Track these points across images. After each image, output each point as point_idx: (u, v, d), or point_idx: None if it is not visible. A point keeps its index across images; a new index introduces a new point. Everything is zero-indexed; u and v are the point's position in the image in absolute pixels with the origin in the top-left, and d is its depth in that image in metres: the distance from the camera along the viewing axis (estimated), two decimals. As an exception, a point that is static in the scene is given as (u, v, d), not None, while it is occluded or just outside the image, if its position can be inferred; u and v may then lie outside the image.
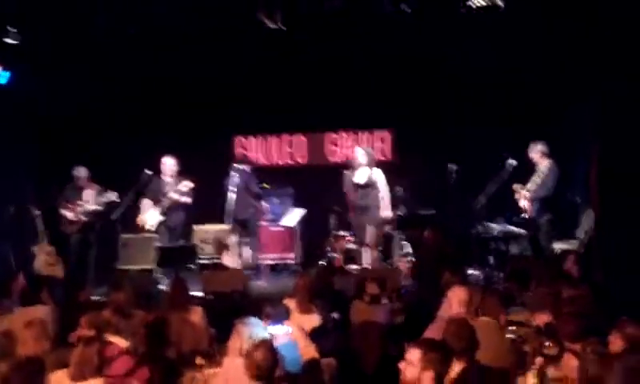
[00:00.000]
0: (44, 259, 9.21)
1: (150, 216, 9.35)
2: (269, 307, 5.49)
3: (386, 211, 9.09)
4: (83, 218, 9.40)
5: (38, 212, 9.33)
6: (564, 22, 8.36)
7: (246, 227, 9.72)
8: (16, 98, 9.82)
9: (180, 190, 9.26)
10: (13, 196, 9.80)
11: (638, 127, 7.72)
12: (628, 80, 7.65)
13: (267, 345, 3.87)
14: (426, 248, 8.08)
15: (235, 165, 9.61)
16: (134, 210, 9.43)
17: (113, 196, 9.27)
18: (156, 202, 9.35)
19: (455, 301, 5.03)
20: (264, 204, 10.12)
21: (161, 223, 9.37)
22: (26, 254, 9.42)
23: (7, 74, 9.49)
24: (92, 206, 9.34)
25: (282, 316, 5.11)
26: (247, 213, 9.61)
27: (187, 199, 9.35)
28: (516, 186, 8.72)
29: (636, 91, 7.58)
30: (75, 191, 9.50)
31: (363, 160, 8.95)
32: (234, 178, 9.40)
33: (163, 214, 9.35)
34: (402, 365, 3.57)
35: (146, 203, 9.36)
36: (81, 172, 9.49)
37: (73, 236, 9.47)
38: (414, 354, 3.52)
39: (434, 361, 3.46)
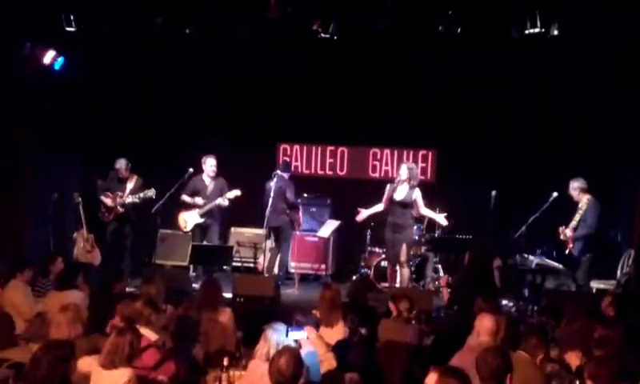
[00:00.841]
0: (83, 246, 9.42)
1: (190, 216, 9.47)
2: (299, 314, 5.50)
3: (442, 219, 8.99)
4: (120, 209, 9.54)
5: (80, 199, 9.54)
6: (618, 50, 8.26)
7: (278, 235, 9.75)
8: (69, 85, 10.05)
9: (226, 197, 9.36)
10: (58, 181, 10.03)
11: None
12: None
13: (292, 352, 3.89)
14: (464, 271, 7.98)
15: (277, 171, 9.66)
16: (175, 205, 9.55)
17: (150, 192, 9.40)
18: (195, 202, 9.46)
19: (481, 329, 4.97)
20: (300, 214, 10.09)
21: (197, 224, 9.49)
22: (66, 240, 9.65)
23: (62, 60, 9.71)
24: (129, 199, 9.49)
25: (311, 325, 5.11)
26: (280, 220, 9.60)
27: (227, 203, 9.44)
28: (561, 229, 8.57)
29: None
30: (117, 182, 9.67)
31: (405, 176, 8.91)
32: (274, 184, 9.45)
33: (202, 215, 9.45)
34: None
35: (188, 199, 9.49)
36: (122, 164, 9.64)
37: (109, 225, 9.61)
38: (431, 378, 3.49)
39: None
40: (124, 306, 5.29)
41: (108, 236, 9.65)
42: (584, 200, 8.57)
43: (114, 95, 10.58)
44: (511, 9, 7.96)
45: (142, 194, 9.44)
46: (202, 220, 9.46)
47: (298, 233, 10.46)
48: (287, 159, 10.98)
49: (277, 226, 9.64)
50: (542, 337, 4.97)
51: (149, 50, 9.66)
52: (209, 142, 10.46)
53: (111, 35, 8.93)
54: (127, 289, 7.79)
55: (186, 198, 9.53)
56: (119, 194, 9.57)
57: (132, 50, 9.62)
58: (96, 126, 10.77)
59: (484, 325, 4.98)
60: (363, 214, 9.14)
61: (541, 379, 4.64)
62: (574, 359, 4.94)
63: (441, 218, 8.99)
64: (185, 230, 9.55)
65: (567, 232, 8.52)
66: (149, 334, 4.96)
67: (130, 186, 9.62)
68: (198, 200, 9.47)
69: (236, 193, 9.40)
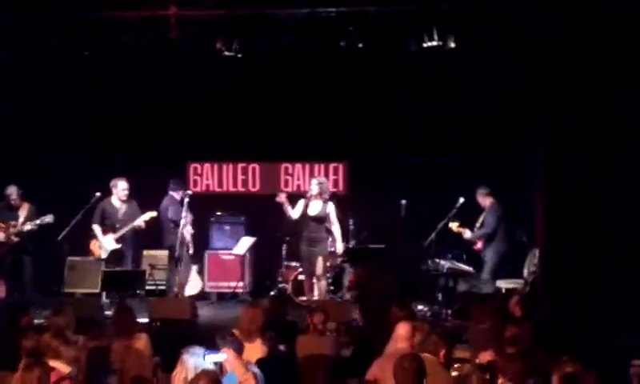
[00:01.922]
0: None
1: (105, 242, 9.16)
2: (219, 337, 5.42)
3: (339, 245, 9.18)
4: (14, 239, 9.15)
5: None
6: (515, 60, 8.71)
7: (172, 255, 9.50)
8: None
9: (143, 219, 9.13)
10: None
11: (584, 166, 8.06)
12: (571, 117, 8.03)
13: (210, 376, 3.84)
14: (369, 283, 8.11)
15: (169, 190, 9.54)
16: (83, 232, 9.24)
17: (48, 218, 9.06)
18: (106, 226, 9.17)
19: (398, 337, 5.08)
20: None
21: (113, 251, 9.20)
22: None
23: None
24: (27, 226, 9.11)
25: (234, 346, 5.03)
26: (169, 240, 9.45)
27: (143, 226, 9.24)
28: (452, 225, 9.08)
29: (580, 129, 7.94)
30: (8, 210, 9.27)
31: (316, 191, 9.01)
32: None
33: (118, 241, 9.17)
34: None
35: (97, 229, 9.16)
36: (13, 191, 9.27)
37: (5, 257, 9.21)
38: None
39: None
40: (28, 340, 5.07)
41: (5, 268, 9.22)
42: (487, 203, 9.25)
43: (6, 119, 10.15)
44: (408, 23, 8.22)
45: (38, 221, 9.07)
46: (118, 246, 9.15)
47: (212, 251, 10.37)
48: (197, 177, 10.89)
49: (169, 246, 9.47)
50: (441, 334, 5.12)
51: (48, 72, 9.35)
52: (115, 162, 10.19)
53: (8, 59, 8.61)
54: (35, 321, 7.46)
55: (96, 229, 9.15)
56: (12, 223, 9.16)
57: (30, 71, 9.28)
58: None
59: (400, 332, 5.09)
60: (283, 197, 9.07)
61: (446, 375, 4.78)
62: (487, 358, 5.11)
63: (339, 244, 9.18)
64: (100, 256, 9.21)
65: (467, 233, 9.16)
66: (60, 367, 4.77)
67: (22, 213, 9.23)
68: (108, 238, 9.12)
69: (151, 214, 9.20)
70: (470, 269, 9.10)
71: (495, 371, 4.63)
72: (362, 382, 5.09)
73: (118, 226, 9.17)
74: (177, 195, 9.51)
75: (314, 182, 9.22)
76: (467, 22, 8.24)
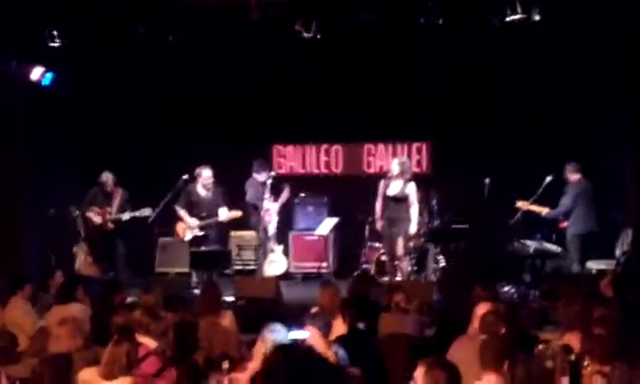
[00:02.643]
0: (83, 259, 9.44)
1: (191, 227, 9.37)
2: (308, 315, 5.47)
3: (413, 226, 9.02)
4: (111, 226, 9.53)
5: (77, 212, 9.55)
6: (600, 29, 8.30)
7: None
8: (58, 100, 10.08)
9: (228, 216, 9.31)
10: (54, 196, 10.05)
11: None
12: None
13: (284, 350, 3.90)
14: (459, 261, 8.02)
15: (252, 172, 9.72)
16: (172, 214, 9.55)
17: (146, 211, 9.37)
18: (192, 212, 9.37)
19: (476, 317, 4.99)
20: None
21: (197, 235, 9.41)
22: (65, 254, 9.67)
23: (50, 76, 9.73)
24: (125, 217, 9.46)
25: (320, 324, 5.10)
26: (251, 222, 9.74)
27: (226, 221, 9.44)
28: (520, 203, 8.78)
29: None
30: (104, 196, 9.63)
31: (397, 171, 8.94)
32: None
33: (202, 228, 9.37)
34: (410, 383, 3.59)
35: (182, 213, 9.39)
36: (108, 177, 9.61)
37: (100, 239, 9.59)
38: (419, 372, 3.52)
39: (437, 380, 3.44)
40: (118, 316, 5.30)
41: (99, 250, 9.62)
42: (571, 181, 8.89)
43: (102, 107, 10.59)
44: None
45: (137, 213, 9.41)
46: (200, 232, 9.37)
47: (296, 232, 10.51)
48: (281, 159, 11.04)
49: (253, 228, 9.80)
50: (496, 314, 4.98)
51: (133, 60, 9.67)
52: (200, 146, 10.45)
53: (95, 47, 8.95)
54: (128, 299, 7.80)
55: (180, 211, 9.37)
56: (107, 209, 9.54)
57: (116, 60, 9.63)
58: (86, 138, 10.79)
59: (478, 313, 5.00)
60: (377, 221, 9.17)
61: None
62: (572, 340, 4.95)
63: (413, 225, 9.00)
64: (184, 239, 9.49)
65: (544, 211, 8.83)
66: (148, 342, 4.96)
67: (116, 201, 9.59)
68: (193, 220, 9.35)
69: (237, 214, 9.38)
70: (559, 249, 8.82)
71: (581, 353, 4.49)
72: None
73: (203, 214, 9.35)
74: (259, 177, 9.66)
75: (395, 161, 9.16)
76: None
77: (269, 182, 9.51)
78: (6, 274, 7.48)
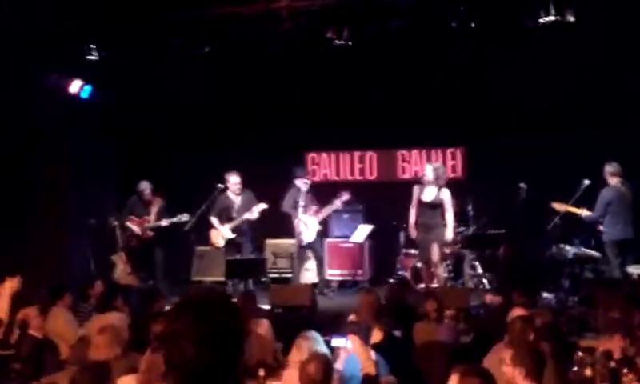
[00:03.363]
0: (122, 268, 9.58)
1: (223, 233, 9.50)
2: (350, 322, 5.47)
3: (449, 233, 8.93)
4: (149, 234, 9.67)
5: (116, 223, 9.71)
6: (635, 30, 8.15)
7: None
8: (97, 112, 10.29)
9: (253, 212, 9.37)
10: (94, 207, 10.23)
11: None
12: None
13: (321, 358, 3.91)
14: (501, 266, 7.93)
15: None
16: (205, 224, 9.65)
17: (185, 217, 9.49)
18: (224, 218, 9.49)
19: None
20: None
21: (230, 240, 9.52)
22: (105, 263, 9.83)
23: (89, 89, 9.93)
24: (164, 223, 9.60)
25: (360, 333, 5.11)
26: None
27: (256, 217, 9.49)
28: (556, 205, 8.53)
29: None
30: (142, 206, 9.78)
31: (431, 177, 8.89)
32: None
33: (234, 231, 9.49)
34: None
35: (215, 220, 9.51)
36: (146, 186, 9.76)
37: (139, 248, 9.73)
38: (453, 379, 3.51)
39: None
40: (157, 324, 5.37)
41: (138, 258, 9.76)
42: (610, 183, 8.54)
43: (140, 117, 10.77)
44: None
45: (175, 219, 9.54)
46: (233, 235, 9.47)
47: (331, 239, 10.52)
48: (315, 167, 11.09)
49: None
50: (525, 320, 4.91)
51: (170, 71, 9.81)
52: (235, 155, 10.55)
53: (132, 59, 9.11)
54: (167, 307, 7.89)
55: (214, 220, 9.51)
56: (146, 218, 9.69)
57: (154, 71, 9.78)
58: (125, 149, 10.98)
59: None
60: (411, 228, 9.12)
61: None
62: (612, 346, 4.86)
63: (449, 231, 8.89)
64: (217, 245, 9.60)
65: (584, 213, 8.52)
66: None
67: (154, 209, 9.73)
68: (225, 228, 9.45)
69: (263, 206, 9.42)
70: (598, 254, 8.64)
71: (622, 359, 4.41)
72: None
73: (233, 216, 9.47)
74: (297, 183, 9.69)
75: (429, 167, 9.10)
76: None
77: (304, 189, 9.53)
78: (48, 284, 7.64)
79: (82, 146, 10.16)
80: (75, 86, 9.80)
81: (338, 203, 9.63)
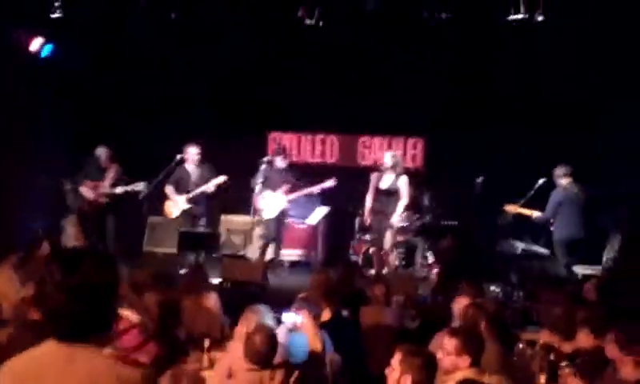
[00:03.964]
0: (72, 233, 9.41)
1: (177, 202, 9.42)
2: (301, 298, 5.48)
3: (395, 218, 8.95)
4: (103, 200, 9.51)
5: (69, 186, 9.52)
6: (603, 33, 8.31)
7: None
8: (57, 71, 10.04)
9: (213, 183, 9.29)
10: (47, 168, 10.01)
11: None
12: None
13: (266, 330, 3.92)
14: (445, 257, 8.05)
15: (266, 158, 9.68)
16: (160, 194, 9.54)
17: (140, 186, 9.31)
18: (180, 189, 9.40)
19: (458, 311, 5.02)
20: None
21: (185, 211, 9.43)
22: (54, 225, 9.64)
23: (50, 47, 9.69)
24: (118, 190, 9.45)
25: (311, 309, 5.13)
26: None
27: (213, 189, 9.41)
28: (508, 207, 8.74)
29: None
30: (98, 171, 9.59)
31: (389, 164, 8.95)
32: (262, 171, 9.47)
33: (189, 202, 9.41)
34: (387, 369, 3.62)
35: (170, 190, 9.41)
36: (103, 152, 9.56)
37: (91, 215, 9.56)
38: (395, 358, 3.55)
39: (414, 366, 3.47)
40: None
41: (89, 226, 9.58)
42: (560, 184, 8.77)
43: (102, 81, 10.55)
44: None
45: (130, 187, 9.37)
46: (188, 206, 9.39)
47: (287, 220, 10.51)
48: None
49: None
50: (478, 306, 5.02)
51: (134, 35, 9.62)
52: (195, 130, 10.42)
53: (96, 19, 8.92)
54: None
55: (168, 189, 9.40)
56: (101, 183, 9.52)
57: (117, 34, 9.58)
58: (83, 112, 10.75)
59: (460, 307, 5.02)
60: (366, 215, 9.15)
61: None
62: (553, 340, 5.00)
63: (395, 216, 8.94)
64: (171, 216, 9.51)
65: (535, 214, 8.74)
66: (131, 316, 4.96)
67: (110, 175, 9.53)
68: (180, 198, 9.36)
69: (222, 178, 9.32)
70: (546, 251, 8.83)
71: (559, 354, 4.53)
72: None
73: (189, 188, 9.38)
74: (277, 160, 9.66)
75: (388, 154, 9.16)
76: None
77: (261, 167, 9.47)
78: (-6, 242, 7.47)
79: (40, 106, 9.91)
80: (36, 44, 9.55)
81: (317, 188, 9.57)
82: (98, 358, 2.23)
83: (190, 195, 9.36)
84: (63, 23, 8.85)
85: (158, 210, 9.75)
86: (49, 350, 2.26)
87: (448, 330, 4.25)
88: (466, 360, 4.01)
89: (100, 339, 2.29)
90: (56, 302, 2.19)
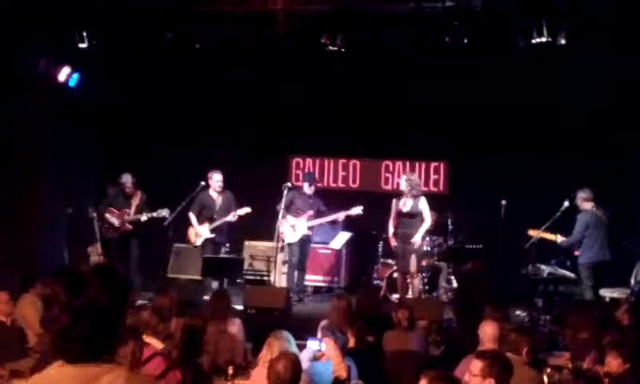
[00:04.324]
0: (97, 260, 9.48)
1: (201, 231, 9.43)
2: (327, 326, 5.45)
3: (418, 238, 8.86)
4: (129, 227, 9.59)
5: (94, 214, 9.62)
6: (626, 57, 8.23)
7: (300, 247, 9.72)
8: (83, 101, 10.18)
9: (236, 214, 9.32)
10: (73, 196, 10.12)
11: None
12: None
13: (290, 357, 3.90)
14: (469, 281, 7.97)
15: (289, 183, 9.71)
16: (184, 220, 9.58)
17: (164, 212, 9.40)
18: (204, 215, 9.43)
19: (485, 337, 4.95)
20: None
21: (209, 239, 9.45)
22: (80, 254, 9.72)
23: (77, 77, 9.85)
24: (144, 218, 9.52)
25: (335, 337, 5.10)
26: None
27: (236, 219, 9.43)
28: (532, 232, 8.65)
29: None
30: (122, 198, 9.70)
31: (405, 188, 8.91)
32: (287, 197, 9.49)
33: (212, 231, 9.42)
34: None
35: (193, 218, 9.44)
36: (128, 179, 9.67)
37: (116, 240, 9.65)
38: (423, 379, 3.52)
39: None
40: (129, 316, 5.30)
41: (113, 250, 9.66)
42: (584, 208, 8.68)
43: (126, 110, 10.71)
44: (517, 19, 7.98)
45: (155, 214, 9.45)
46: (212, 235, 9.42)
47: (310, 246, 10.49)
48: (299, 171, 11.06)
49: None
50: (522, 332, 4.97)
51: (159, 66, 9.77)
52: (219, 156, 10.50)
53: (123, 51, 9.06)
54: (139, 301, 7.82)
55: (191, 217, 9.43)
56: (126, 210, 9.62)
57: (143, 65, 9.73)
58: (108, 140, 10.89)
59: (486, 332, 4.97)
60: (390, 239, 9.12)
61: (530, 373, 4.63)
62: (587, 363, 4.93)
63: (418, 236, 8.84)
64: (195, 244, 9.54)
65: (559, 239, 8.64)
66: (155, 343, 4.97)
67: (135, 202, 9.65)
68: (204, 228, 9.41)
69: (246, 210, 9.37)
70: (572, 275, 8.71)
71: (594, 378, 4.45)
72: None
73: (214, 216, 9.42)
74: (304, 186, 9.73)
75: (403, 178, 9.14)
76: (579, 17, 7.89)
77: (285, 192, 9.49)
78: (20, 271, 7.55)
79: (66, 135, 10.05)
80: (64, 74, 9.73)
81: (342, 214, 9.53)
82: (118, 379, 2.18)
83: (214, 225, 9.40)
84: (89, 54, 8.98)
85: (182, 236, 9.80)
86: (62, 371, 2.20)
87: (476, 352, 4.19)
88: (491, 382, 3.96)
89: (111, 358, 2.24)
90: (60, 322, 2.16)
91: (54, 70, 9.63)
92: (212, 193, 9.50)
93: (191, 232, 9.54)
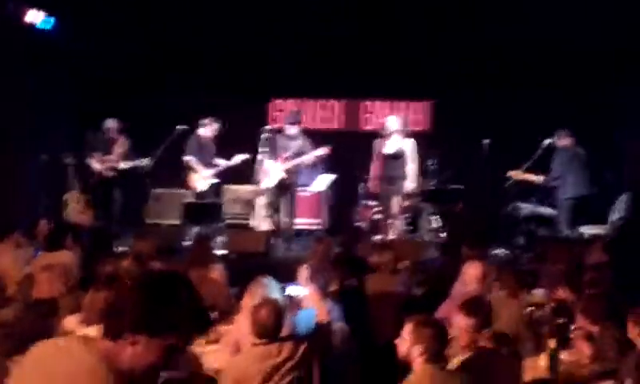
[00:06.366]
0: (74, 207, 9.36)
1: (205, 176, 9.30)
2: (305, 269, 5.42)
3: (410, 183, 8.84)
4: (110, 173, 9.44)
5: (70, 160, 9.44)
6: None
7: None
8: (59, 46, 9.90)
9: (239, 158, 9.24)
10: (48, 143, 9.92)
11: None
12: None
13: (272, 304, 3.87)
14: (455, 222, 7.97)
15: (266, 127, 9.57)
16: (164, 167, 9.43)
17: (145, 161, 9.26)
18: (202, 162, 9.30)
19: (469, 277, 4.96)
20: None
21: (212, 184, 9.37)
22: (56, 201, 9.58)
23: (52, 21, 9.53)
24: (123, 165, 9.36)
25: (318, 282, 5.07)
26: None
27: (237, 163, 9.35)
28: (512, 173, 8.65)
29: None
30: (106, 144, 9.52)
31: (394, 128, 8.81)
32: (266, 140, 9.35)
33: (216, 176, 9.35)
34: (397, 340, 3.57)
35: (194, 162, 9.23)
36: (112, 124, 9.49)
37: (97, 187, 9.51)
38: (406, 329, 3.51)
39: (424, 337, 3.41)
40: (106, 264, 5.25)
41: (95, 197, 9.53)
42: (562, 146, 8.68)
43: (105, 54, 10.41)
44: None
45: (136, 162, 9.30)
46: (217, 180, 9.34)
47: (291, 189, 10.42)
48: (279, 113, 10.92)
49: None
50: (518, 276, 4.99)
51: (138, 8, 9.47)
52: (199, 100, 10.29)
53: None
54: (120, 248, 7.77)
55: (194, 162, 9.22)
56: (109, 156, 9.44)
57: (120, 9, 9.44)
58: (86, 85, 10.62)
59: (472, 272, 4.96)
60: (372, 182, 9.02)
61: (521, 317, 4.65)
62: (561, 296, 4.94)
63: (409, 183, 8.81)
64: (197, 190, 9.34)
65: (540, 178, 8.65)
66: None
67: (118, 149, 9.47)
68: (207, 170, 9.29)
69: (245, 156, 9.29)
70: (553, 213, 8.75)
71: (570, 312, 4.47)
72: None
73: (213, 161, 9.30)
74: (288, 128, 9.42)
75: (393, 118, 9.02)
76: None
77: (262, 136, 9.35)
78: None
79: (41, 81, 9.79)
80: (31, 16, 9.39)
81: (310, 156, 9.34)
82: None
83: (217, 170, 9.33)
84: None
85: (160, 182, 9.67)
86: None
87: (461, 307, 4.08)
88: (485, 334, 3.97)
89: None
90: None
91: (23, 13, 9.29)
92: (211, 140, 9.36)
93: (195, 177, 9.33)
